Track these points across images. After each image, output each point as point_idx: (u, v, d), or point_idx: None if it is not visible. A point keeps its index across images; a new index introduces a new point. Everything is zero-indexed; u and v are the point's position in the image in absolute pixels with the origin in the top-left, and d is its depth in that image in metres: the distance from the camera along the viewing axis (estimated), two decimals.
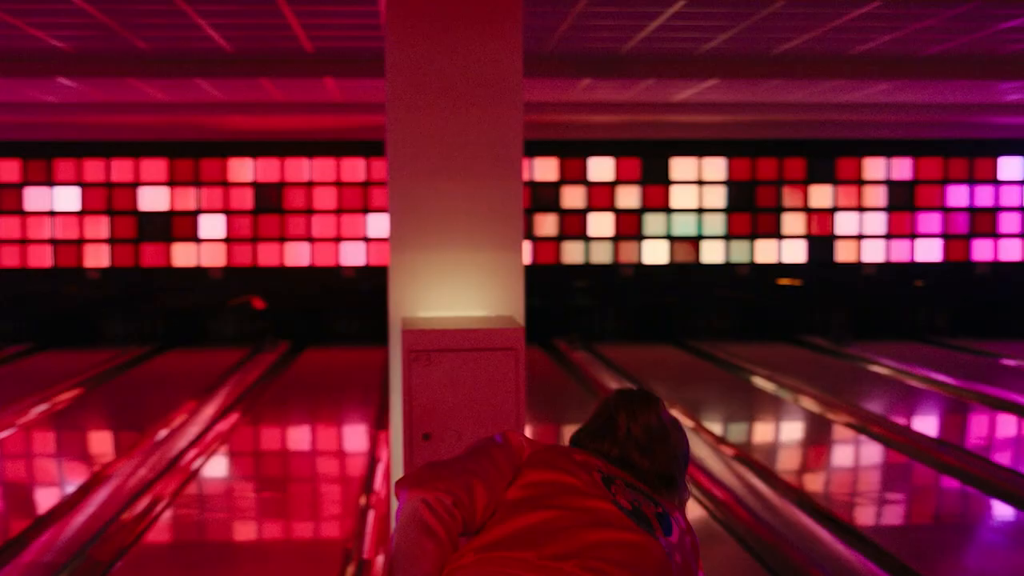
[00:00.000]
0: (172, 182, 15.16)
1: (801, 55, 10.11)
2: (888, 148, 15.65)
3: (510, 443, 2.57)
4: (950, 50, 9.75)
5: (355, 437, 9.83)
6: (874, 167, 15.72)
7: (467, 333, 4.16)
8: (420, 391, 4.08)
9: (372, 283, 15.12)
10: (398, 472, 4.64)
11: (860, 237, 15.76)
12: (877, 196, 15.74)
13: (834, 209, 15.71)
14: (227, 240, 15.20)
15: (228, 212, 15.19)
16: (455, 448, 4.07)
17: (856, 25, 8.79)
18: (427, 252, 4.65)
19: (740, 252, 15.65)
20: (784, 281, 15.64)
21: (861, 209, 15.73)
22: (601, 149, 15.43)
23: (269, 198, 15.23)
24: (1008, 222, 15.89)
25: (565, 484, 2.41)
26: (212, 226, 15.20)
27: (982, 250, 15.88)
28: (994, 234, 15.87)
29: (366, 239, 15.33)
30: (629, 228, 15.60)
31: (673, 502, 2.69)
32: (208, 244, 15.18)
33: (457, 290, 4.68)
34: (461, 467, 2.44)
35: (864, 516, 7.14)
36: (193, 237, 15.19)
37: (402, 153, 4.67)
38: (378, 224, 15.31)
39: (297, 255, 15.28)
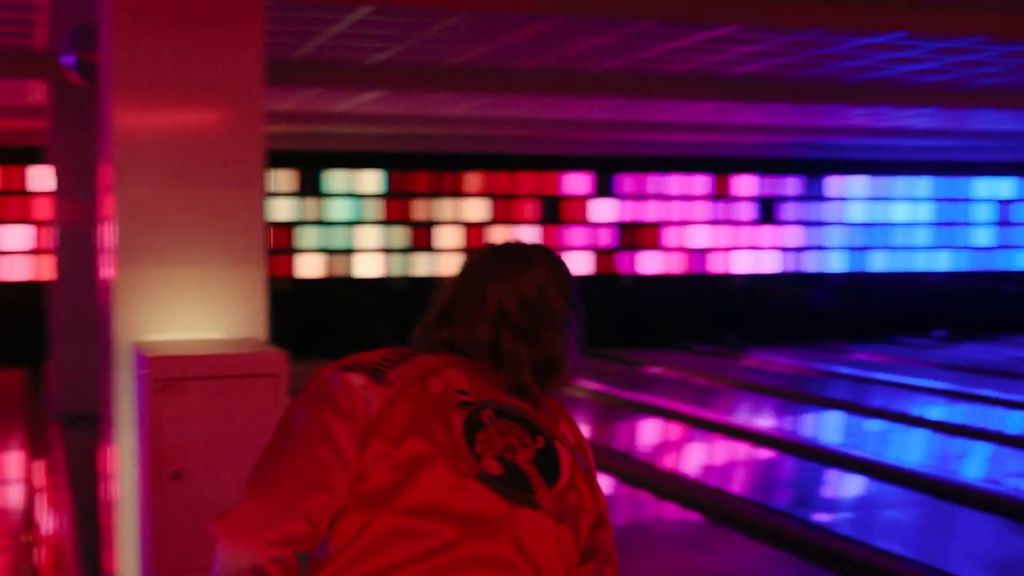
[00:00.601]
0: None
1: (471, 69, 10.10)
2: (541, 163, 15.99)
3: (354, 401, 1.96)
4: (618, 68, 9.99)
5: (7, 468, 8.99)
6: (527, 181, 16.03)
7: (221, 358, 3.72)
8: (168, 425, 3.61)
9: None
10: (130, 520, 4.11)
11: None
12: (531, 210, 16.06)
13: (489, 222, 15.89)
14: None
15: None
16: (210, 488, 3.61)
17: (529, 40, 8.85)
18: (159, 267, 4.17)
19: (397, 266, 15.59)
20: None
21: (514, 222, 15.99)
22: None
23: None
24: (649, 236, 16.57)
25: (424, 459, 1.92)
26: None
27: (626, 263, 16.49)
28: (636, 247, 16.51)
29: None
30: (284, 241, 15.24)
31: (559, 394, 2.14)
32: None
33: (193, 309, 4.21)
34: (295, 484, 1.91)
35: None
36: None
37: (130, 158, 4.19)
38: (6, 237, 14.24)
39: None
